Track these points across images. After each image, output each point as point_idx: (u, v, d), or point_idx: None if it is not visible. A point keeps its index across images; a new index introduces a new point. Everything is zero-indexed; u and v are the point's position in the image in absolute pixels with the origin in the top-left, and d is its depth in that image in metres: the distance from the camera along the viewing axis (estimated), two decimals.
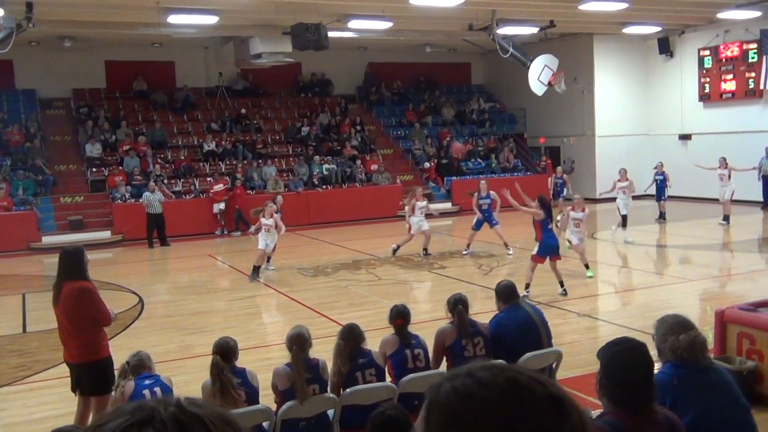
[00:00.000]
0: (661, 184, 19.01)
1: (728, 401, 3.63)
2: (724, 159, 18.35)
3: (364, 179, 23.68)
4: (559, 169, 20.71)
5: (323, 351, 5.67)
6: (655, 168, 19.27)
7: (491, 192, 15.24)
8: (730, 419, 3.59)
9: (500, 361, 1.23)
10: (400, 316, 5.81)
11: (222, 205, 20.71)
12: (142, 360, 5.29)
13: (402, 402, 5.10)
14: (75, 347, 5.88)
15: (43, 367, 8.42)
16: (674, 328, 3.72)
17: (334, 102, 27.16)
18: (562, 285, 11.02)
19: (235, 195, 20.85)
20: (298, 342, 5.17)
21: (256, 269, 13.51)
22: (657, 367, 3.84)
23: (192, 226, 20.38)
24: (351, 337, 5.49)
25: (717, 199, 18.85)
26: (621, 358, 3.04)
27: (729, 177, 18.12)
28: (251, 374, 5.22)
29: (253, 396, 5.11)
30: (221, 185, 20.95)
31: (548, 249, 10.91)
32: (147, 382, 5.08)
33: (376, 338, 6.09)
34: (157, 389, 5.02)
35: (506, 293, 6.20)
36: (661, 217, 19.18)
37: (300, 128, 25.15)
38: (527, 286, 10.87)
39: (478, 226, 15.37)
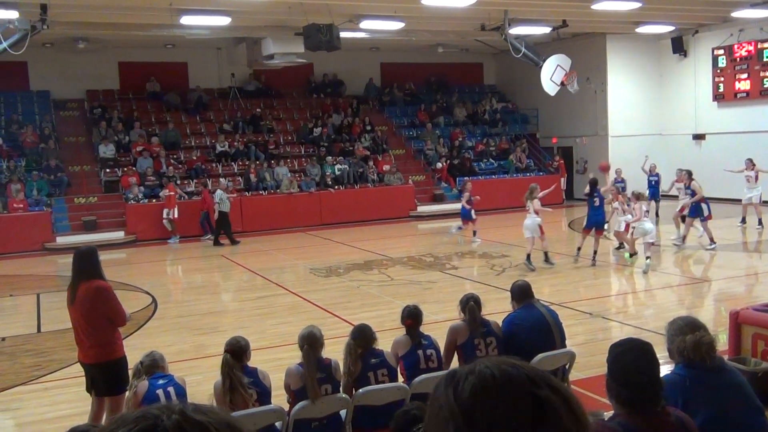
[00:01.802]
0: (657, 185, 18.98)
1: (741, 402, 3.61)
2: (751, 160, 18.00)
3: (376, 180, 23.70)
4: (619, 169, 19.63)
5: (335, 351, 5.67)
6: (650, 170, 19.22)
7: (693, 183, 15.27)
8: (743, 420, 3.57)
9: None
10: (410, 317, 5.80)
11: (172, 212, 19.97)
12: (156, 360, 5.32)
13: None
14: (90, 347, 5.91)
15: (57, 367, 8.47)
16: (683, 329, 3.71)
17: (346, 102, 27.18)
18: (578, 250, 13.70)
19: (204, 200, 20.27)
20: (310, 341, 5.18)
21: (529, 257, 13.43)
22: (668, 368, 3.84)
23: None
24: (362, 337, 5.49)
25: (733, 200, 18.73)
26: (624, 359, 3.05)
27: (756, 179, 17.74)
28: (263, 374, 5.23)
29: (264, 396, 5.12)
30: (168, 191, 20.12)
31: (590, 222, 13.60)
32: (161, 382, 5.10)
33: (389, 339, 6.09)
34: (171, 389, 5.04)
35: (520, 293, 6.18)
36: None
37: (312, 129, 25.19)
38: (578, 249, 13.73)
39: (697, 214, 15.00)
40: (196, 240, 20.00)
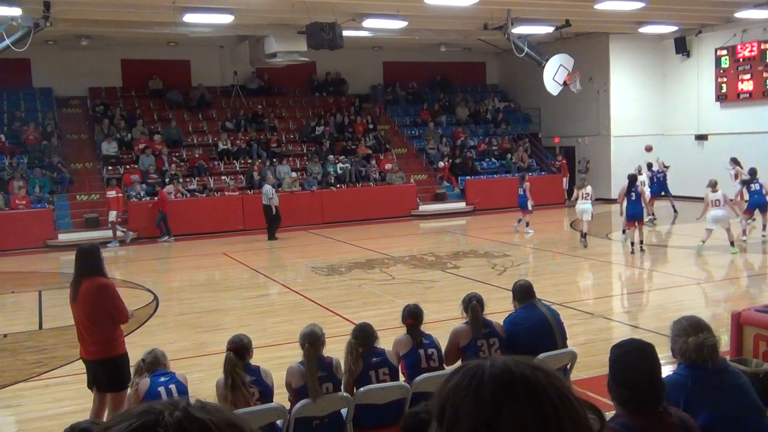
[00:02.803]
0: (664, 180, 19.89)
1: (743, 403, 3.59)
2: (735, 159, 18.55)
3: (378, 178, 23.69)
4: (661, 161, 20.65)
5: (337, 350, 5.67)
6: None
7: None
8: (745, 422, 3.56)
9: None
10: (411, 316, 5.80)
11: (116, 215, 19.29)
12: (158, 357, 5.32)
13: (415, 402, 5.11)
14: (92, 344, 5.92)
15: (59, 364, 8.49)
16: (686, 329, 3.68)
17: (348, 101, 27.18)
18: (633, 245, 14.92)
19: (161, 199, 19.83)
20: (311, 340, 5.18)
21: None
22: (671, 368, 3.84)
23: (206, 224, 20.49)
24: (363, 336, 5.49)
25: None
26: (625, 360, 3.05)
27: (735, 177, 18.29)
28: (265, 372, 5.23)
29: (266, 394, 5.12)
30: (114, 192, 19.37)
31: (630, 215, 14.83)
32: (162, 379, 5.10)
33: (390, 337, 6.09)
34: (173, 386, 5.05)
35: (522, 293, 6.17)
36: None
37: (314, 127, 25.19)
38: (632, 243, 14.95)
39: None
40: (152, 241, 19.61)
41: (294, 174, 22.73)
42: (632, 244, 14.99)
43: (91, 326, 5.89)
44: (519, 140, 27.13)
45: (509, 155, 26.10)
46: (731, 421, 3.49)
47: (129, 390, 5.45)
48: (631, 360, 3.04)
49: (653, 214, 19.42)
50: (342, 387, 5.28)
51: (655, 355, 3.09)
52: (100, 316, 5.86)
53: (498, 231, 19.05)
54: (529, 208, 18.25)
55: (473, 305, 5.86)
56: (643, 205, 15.28)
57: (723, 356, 3.86)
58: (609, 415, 3.12)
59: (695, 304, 10.69)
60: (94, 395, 6.06)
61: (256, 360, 5.39)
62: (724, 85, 23.35)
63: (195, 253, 18.01)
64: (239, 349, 5.12)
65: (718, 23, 23.00)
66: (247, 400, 4.92)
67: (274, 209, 19.10)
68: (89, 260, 5.96)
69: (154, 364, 5.26)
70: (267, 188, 19.28)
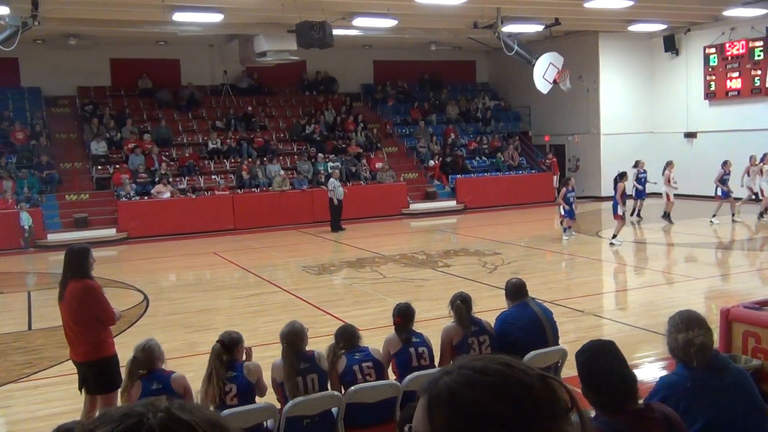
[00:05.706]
0: (644, 182, 19.77)
1: (743, 403, 3.49)
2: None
3: (368, 177, 23.68)
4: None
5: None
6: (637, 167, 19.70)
7: None
8: (745, 422, 3.47)
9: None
10: (400, 315, 5.80)
11: None
12: (152, 352, 5.17)
13: (406, 400, 5.12)
14: (81, 346, 5.89)
15: (48, 365, 8.44)
16: (678, 326, 3.56)
17: (339, 100, 27.16)
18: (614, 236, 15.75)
19: None
20: (288, 339, 5.23)
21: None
22: (662, 365, 3.83)
23: (196, 224, 20.43)
24: (345, 336, 5.55)
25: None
26: (591, 364, 3.09)
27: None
28: (249, 369, 5.16)
29: (246, 391, 5.06)
30: None
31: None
32: (154, 387, 4.99)
33: (380, 336, 6.09)
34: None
35: (514, 291, 6.17)
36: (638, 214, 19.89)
37: (305, 126, 25.15)
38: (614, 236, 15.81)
39: None
40: (142, 241, 19.18)
41: (282, 172, 22.68)
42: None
43: (77, 328, 5.86)
44: (509, 138, 27.18)
45: (499, 154, 26.16)
46: (731, 422, 3.41)
47: (121, 393, 5.34)
48: (597, 363, 3.07)
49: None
50: (329, 385, 5.29)
51: (618, 352, 3.13)
52: (86, 319, 5.83)
53: (488, 229, 19.08)
54: (562, 213, 16.86)
55: (457, 305, 5.87)
56: (618, 200, 15.74)
57: (723, 354, 3.79)
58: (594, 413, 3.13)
59: (684, 301, 10.72)
60: (85, 397, 6.02)
61: None
62: (712, 83, 23.47)
63: (185, 253, 17.95)
64: (227, 342, 5.14)
65: (706, 21, 23.11)
66: (213, 395, 4.89)
67: (336, 201, 19.71)
68: (76, 261, 5.91)
69: (149, 362, 5.15)
70: (332, 181, 19.90)
